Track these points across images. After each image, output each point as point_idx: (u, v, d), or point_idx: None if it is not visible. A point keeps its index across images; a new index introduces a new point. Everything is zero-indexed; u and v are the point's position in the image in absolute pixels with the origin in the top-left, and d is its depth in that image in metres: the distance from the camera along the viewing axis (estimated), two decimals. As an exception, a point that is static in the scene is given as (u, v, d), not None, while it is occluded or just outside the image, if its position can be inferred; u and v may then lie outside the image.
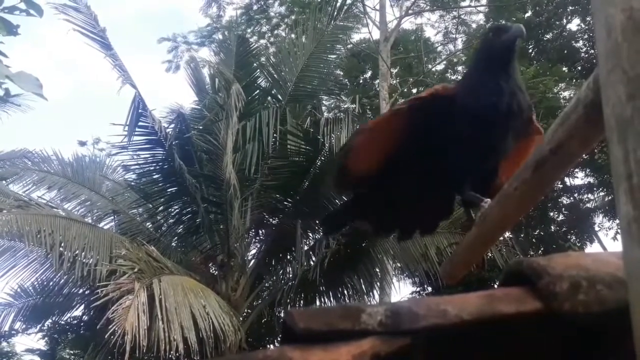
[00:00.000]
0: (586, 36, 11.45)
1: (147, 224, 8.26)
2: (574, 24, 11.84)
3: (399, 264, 8.41)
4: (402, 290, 13.18)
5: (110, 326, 5.29)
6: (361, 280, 7.80)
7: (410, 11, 12.04)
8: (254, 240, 8.26)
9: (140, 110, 7.01)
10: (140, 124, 7.14)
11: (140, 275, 5.94)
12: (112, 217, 8.28)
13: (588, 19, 11.04)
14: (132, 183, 8.03)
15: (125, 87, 6.92)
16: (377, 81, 11.48)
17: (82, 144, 12.86)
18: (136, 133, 7.23)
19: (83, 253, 6.77)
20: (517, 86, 1.71)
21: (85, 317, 8.31)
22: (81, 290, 7.66)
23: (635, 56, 0.72)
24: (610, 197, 11.06)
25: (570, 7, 11.48)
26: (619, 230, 11.38)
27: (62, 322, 8.94)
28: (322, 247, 7.19)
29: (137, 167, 7.77)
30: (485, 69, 1.72)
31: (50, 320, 8.78)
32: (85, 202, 8.41)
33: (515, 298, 0.78)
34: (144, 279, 5.88)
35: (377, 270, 7.99)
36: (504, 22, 12.17)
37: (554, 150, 1.15)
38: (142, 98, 6.97)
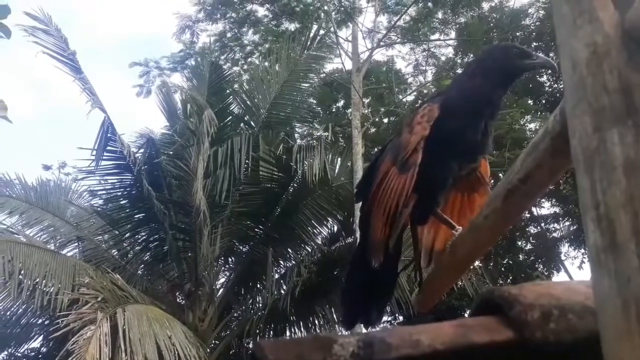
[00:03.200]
0: (550, 71, 11.90)
1: (113, 251, 8.03)
2: (538, 60, 12.27)
3: (370, 293, 8.35)
4: (373, 320, 13.02)
5: (70, 358, 5.06)
6: (332, 309, 7.72)
7: (382, 43, 12.31)
8: (223, 268, 8.11)
9: (109, 135, 6.89)
10: (108, 148, 7.01)
11: (104, 304, 5.75)
12: (76, 244, 8.03)
13: (551, 54, 11.51)
14: (98, 209, 7.83)
15: (95, 111, 6.82)
16: (350, 110, 11.62)
17: (47, 167, 12.50)
18: (104, 157, 7.09)
19: (44, 281, 6.52)
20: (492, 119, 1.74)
21: (43, 349, 7.94)
22: (40, 321, 7.34)
23: (600, 89, 0.74)
24: (575, 227, 11.34)
25: (535, 44, 11.96)
26: (584, 260, 11.69)
27: (19, 354, 8.49)
28: (293, 275, 7.10)
29: (104, 192, 7.61)
30: (486, 80, 1.71)
31: (5, 352, 8.34)
32: (49, 227, 8.14)
33: (488, 327, 0.77)
34: (108, 309, 5.68)
35: (349, 299, 7.91)
36: (473, 56, 12.58)
37: (522, 179, 1.16)
38: (111, 122, 6.87)
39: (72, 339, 5.20)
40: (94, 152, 6.88)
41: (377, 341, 0.72)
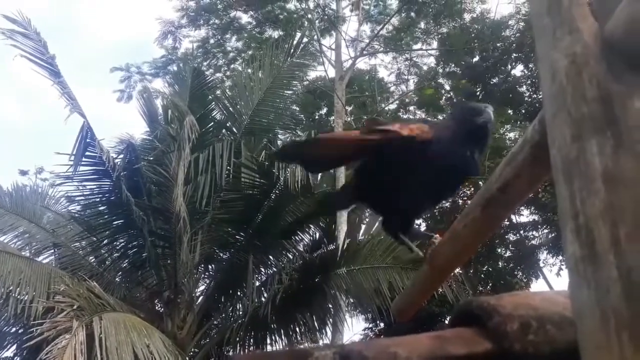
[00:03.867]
0: (529, 81, 12.12)
1: (90, 258, 7.87)
2: (518, 70, 12.54)
3: (352, 300, 8.35)
4: (355, 327, 13.06)
5: (44, 369, 4.93)
6: (314, 317, 7.67)
7: (364, 52, 12.42)
8: (203, 275, 8.01)
9: (88, 140, 6.77)
10: (87, 153, 6.89)
11: (80, 312, 5.61)
12: (52, 251, 7.85)
13: (531, 65, 11.72)
14: (76, 215, 7.67)
15: (75, 115, 6.71)
16: (333, 118, 11.67)
17: (24, 173, 12.28)
18: (83, 163, 6.96)
19: (18, 289, 6.36)
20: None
21: (17, 358, 7.72)
22: (14, 329, 7.13)
23: (579, 98, 0.74)
24: (553, 235, 11.51)
25: (515, 54, 12.16)
26: (562, 267, 11.86)
27: (-9, 364, 8.27)
28: (275, 282, 7.05)
29: (82, 198, 7.46)
30: (461, 134, 1.73)
31: (-24, 363, 8.11)
32: (24, 234, 7.94)
33: (465, 339, 0.77)
34: (84, 317, 5.55)
35: (330, 306, 7.89)
36: (455, 67, 12.74)
37: (501, 188, 1.16)
38: (90, 127, 6.76)
39: (47, 348, 5.07)
40: (72, 158, 6.75)
41: (353, 354, 0.71)
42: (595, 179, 0.69)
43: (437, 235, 1.66)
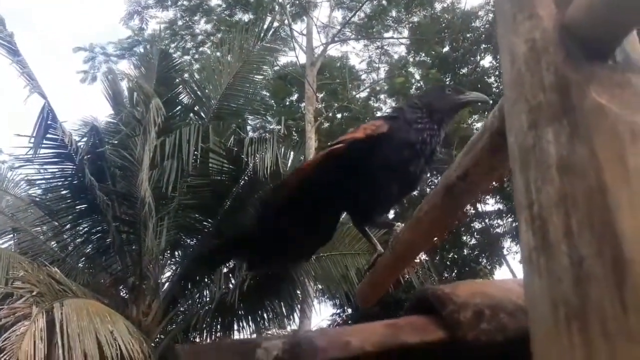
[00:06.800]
0: (497, 72, 12.31)
1: (52, 243, 7.65)
2: (487, 61, 12.71)
3: (320, 286, 8.39)
4: (323, 313, 13.17)
5: (2, 355, 4.79)
6: (281, 304, 7.68)
7: (336, 38, 12.35)
8: (169, 262, 7.89)
9: (49, 122, 6.54)
10: (48, 135, 6.65)
11: (40, 298, 5.46)
12: (12, 235, 7.59)
13: (498, 57, 11.89)
14: (37, 199, 7.44)
15: (35, 97, 6.46)
16: (303, 104, 11.60)
17: (-19, 155, 11.77)
18: (44, 145, 6.72)
19: (-26, 275, 6.12)
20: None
21: (-27, 346, 7.49)
22: (-31, 316, 6.90)
23: (537, 86, 0.73)
24: (517, 224, 11.81)
25: (484, 45, 12.31)
26: (524, 255, 12.22)
27: (-55, 353, 7.98)
28: (243, 269, 7.00)
29: (43, 181, 7.23)
30: (429, 112, 1.78)
31: None
32: (-20, 218, 7.66)
33: (419, 328, 0.76)
34: (44, 303, 5.41)
35: (299, 292, 7.91)
36: (425, 56, 12.81)
37: (461, 177, 1.16)
38: (51, 108, 6.52)
39: (4, 335, 4.93)
40: (33, 140, 6.51)
41: (303, 344, 0.70)
42: (550, 168, 0.69)
43: (400, 223, 1.69)
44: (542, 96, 0.72)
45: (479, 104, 1.86)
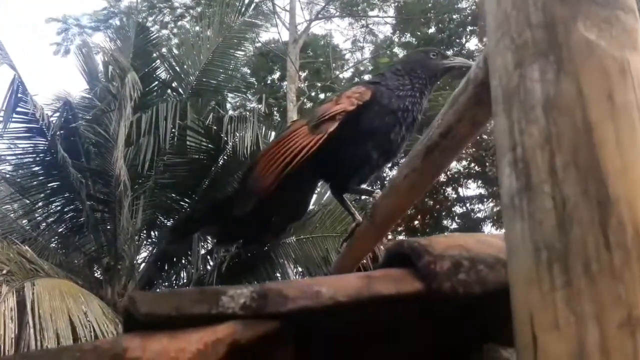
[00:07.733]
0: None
1: (23, 221, 7.45)
2: (472, 44, 12.67)
3: (300, 268, 8.36)
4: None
5: (-31, 335, 4.67)
6: (260, 285, 7.64)
7: (320, 15, 12.15)
8: (145, 242, 7.76)
9: (19, 95, 6.32)
10: (18, 109, 6.43)
11: (10, 277, 5.33)
12: (-20, 213, 7.38)
13: (485, 39, 11.85)
14: (7, 175, 7.23)
15: (4, 68, 6.22)
16: (285, 83, 11.43)
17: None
18: (14, 120, 6.50)
19: (-59, 253, 5.93)
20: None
21: (-59, 326, 7.31)
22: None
23: (523, 23, 0.71)
24: (498, 208, 11.91)
25: (470, 27, 12.26)
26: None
27: None
28: (220, 250, 6.92)
29: (13, 157, 7.00)
30: (411, 79, 1.79)
31: None
32: (-52, 195, 7.42)
33: (395, 278, 0.72)
34: (14, 282, 5.27)
35: (278, 275, 7.87)
36: (410, 37, 12.72)
37: (443, 134, 1.11)
38: (22, 81, 6.29)
39: (-27, 314, 4.79)
40: (2, 113, 6.29)
41: (273, 292, 0.67)
42: (535, 108, 0.66)
43: (379, 190, 1.65)
44: (528, 33, 0.71)
45: (464, 69, 1.82)
